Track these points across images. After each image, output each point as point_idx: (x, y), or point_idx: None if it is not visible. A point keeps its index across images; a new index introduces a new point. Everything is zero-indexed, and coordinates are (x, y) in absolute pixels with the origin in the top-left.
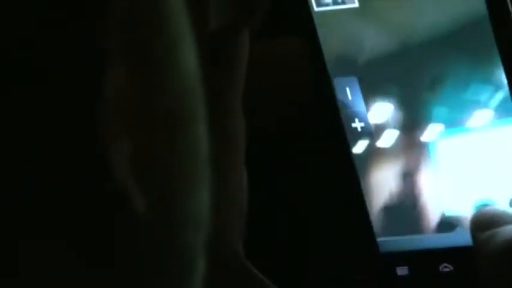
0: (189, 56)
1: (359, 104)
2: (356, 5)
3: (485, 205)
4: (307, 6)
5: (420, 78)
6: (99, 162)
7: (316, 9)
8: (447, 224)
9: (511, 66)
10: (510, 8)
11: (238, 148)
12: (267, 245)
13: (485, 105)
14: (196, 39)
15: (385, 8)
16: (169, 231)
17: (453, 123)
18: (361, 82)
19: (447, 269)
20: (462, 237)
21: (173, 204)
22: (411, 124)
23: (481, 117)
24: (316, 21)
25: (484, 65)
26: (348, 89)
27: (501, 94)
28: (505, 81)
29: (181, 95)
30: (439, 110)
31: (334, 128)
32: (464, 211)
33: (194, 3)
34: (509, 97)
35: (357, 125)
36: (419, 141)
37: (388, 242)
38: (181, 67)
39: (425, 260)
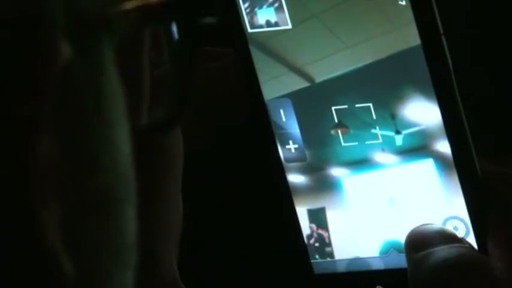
0: (123, 140)
1: (293, 126)
2: (289, 26)
3: (422, 225)
4: (241, 28)
5: (330, 111)
6: (29, 227)
7: (249, 30)
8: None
9: (443, 97)
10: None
11: (174, 176)
12: (199, 265)
13: (392, 143)
14: (130, 127)
15: (318, 31)
16: None
17: (361, 160)
18: (295, 104)
19: None
20: (396, 260)
21: (99, 278)
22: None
23: (388, 154)
24: (250, 43)
25: (392, 101)
26: (281, 111)
27: (408, 131)
28: (411, 118)
29: (115, 175)
30: (348, 146)
31: (269, 149)
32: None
33: (130, 96)
34: (415, 135)
35: (291, 146)
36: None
37: (322, 264)
38: (116, 149)
39: (359, 282)
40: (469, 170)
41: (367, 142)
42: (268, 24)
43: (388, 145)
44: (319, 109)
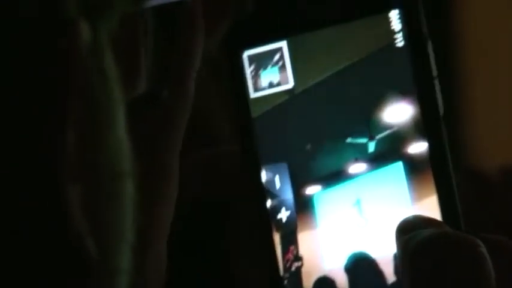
0: (121, 114)
1: (287, 192)
2: (291, 85)
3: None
4: (245, 93)
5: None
6: (60, 212)
7: (252, 95)
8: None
9: (424, 98)
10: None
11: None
12: None
13: (365, 150)
14: (124, 101)
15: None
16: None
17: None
18: (291, 167)
19: None
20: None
21: (111, 258)
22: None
23: (360, 163)
24: (252, 108)
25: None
26: (277, 177)
27: (381, 135)
28: (384, 121)
29: (116, 150)
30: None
31: (261, 221)
32: None
33: (126, 73)
34: (387, 139)
35: (283, 215)
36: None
37: None
38: (116, 124)
39: None
40: (444, 172)
41: (341, 154)
42: (271, 85)
43: (361, 153)
44: None
